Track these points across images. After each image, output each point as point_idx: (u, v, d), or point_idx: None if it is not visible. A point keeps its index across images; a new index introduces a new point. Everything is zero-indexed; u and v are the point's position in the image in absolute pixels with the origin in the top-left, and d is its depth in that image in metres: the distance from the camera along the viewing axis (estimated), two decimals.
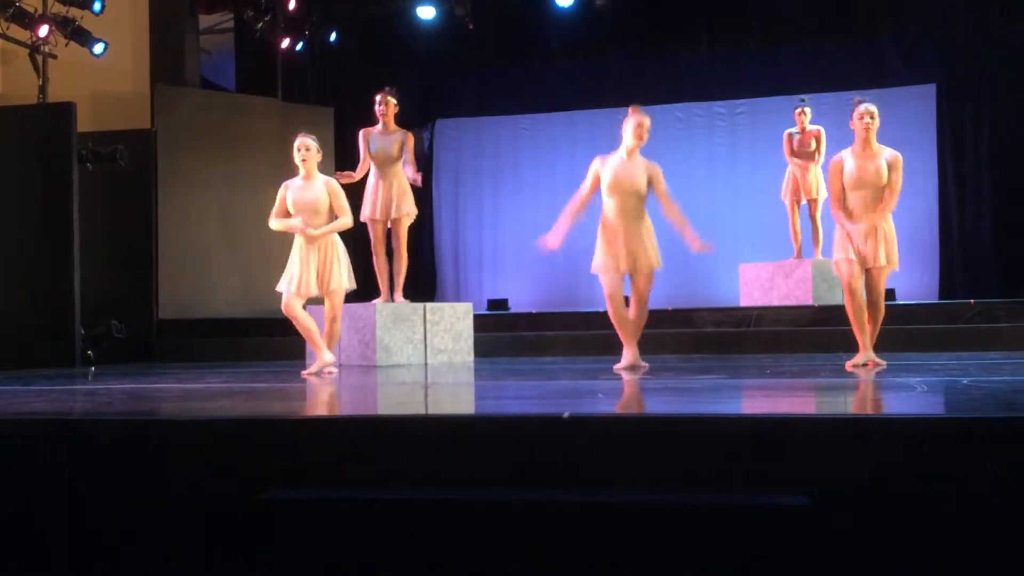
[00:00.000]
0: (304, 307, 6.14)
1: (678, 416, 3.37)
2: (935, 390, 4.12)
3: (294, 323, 6.16)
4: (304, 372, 6.13)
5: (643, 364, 5.85)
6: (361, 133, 7.34)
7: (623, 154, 5.81)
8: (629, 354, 5.89)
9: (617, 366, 5.85)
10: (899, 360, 6.11)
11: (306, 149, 6.09)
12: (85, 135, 8.44)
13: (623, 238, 5.76)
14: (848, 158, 5.69)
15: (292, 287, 6.01)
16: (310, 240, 6.03)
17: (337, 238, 6.16)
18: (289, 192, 6.11)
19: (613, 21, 10.76)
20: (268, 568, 2.88)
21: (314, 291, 6.05)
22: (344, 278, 6.13)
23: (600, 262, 5.83)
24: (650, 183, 5.80)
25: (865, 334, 5.65)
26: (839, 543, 2.75)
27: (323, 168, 9.75)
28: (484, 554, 2.82)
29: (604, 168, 5.82)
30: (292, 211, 6.06)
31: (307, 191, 6.07)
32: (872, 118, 5.63)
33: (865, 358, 5.63)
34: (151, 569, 3.08)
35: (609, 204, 5.81)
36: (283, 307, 6.07)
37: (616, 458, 2.97)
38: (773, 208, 9.80)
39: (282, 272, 6.13)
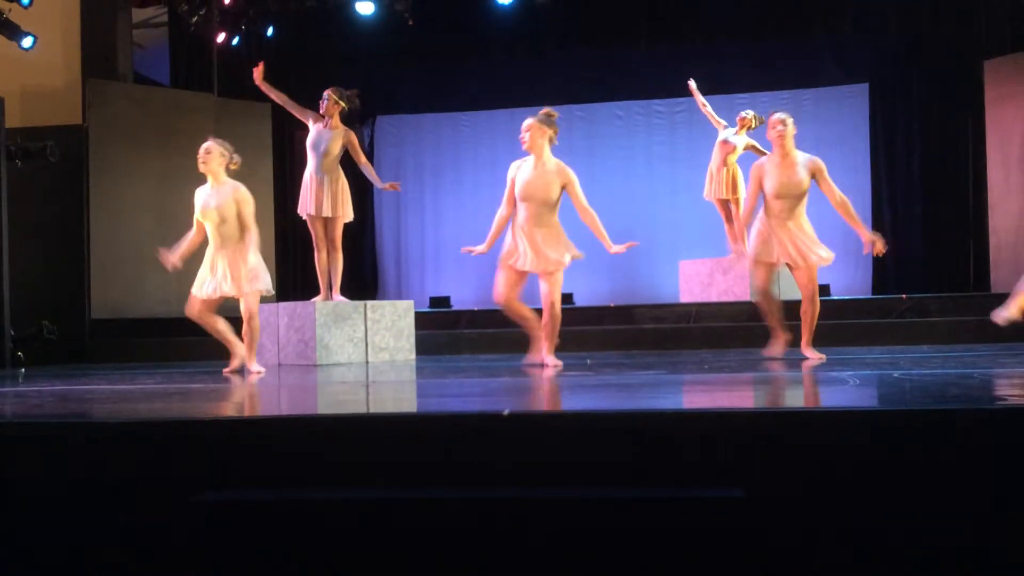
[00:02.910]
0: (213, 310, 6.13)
1: (617, 412, 3.39)
2: (867, 383, 4.20)
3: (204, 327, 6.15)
4: (225, 370, 6.12)
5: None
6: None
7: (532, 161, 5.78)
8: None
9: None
10: (833, 354, 6.22)
11: (206, 152, 5.96)
12: (14, 131, 8.22)
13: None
14: (769, 169, 5.83)
15: (196, 290, 6.04)
16: (219, 246, 5.96)
17: (250, 241, 5.97)
18: (197, 196, 6.02)
19: (553, 18, 10.81)
20: (203, 572, 2.83)
21: (223, 292, 5.97)
22: (247, 281, 5.97)
23: None
24: (563, 189, 5.76)
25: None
26: (772, 535, 2.79)
27: (262, 165, 9.67)
28: (425, 553, 2.80)
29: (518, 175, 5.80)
30: (199, 216, 5.99)
31: (214, 197, 5.96)
32: (784, 125, 5.76)
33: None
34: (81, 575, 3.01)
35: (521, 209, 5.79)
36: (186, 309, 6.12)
37: (555, 454, 2.98)
38: (712, 205, 9.92)
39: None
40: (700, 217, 11.05)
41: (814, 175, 5.80)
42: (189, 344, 8.50)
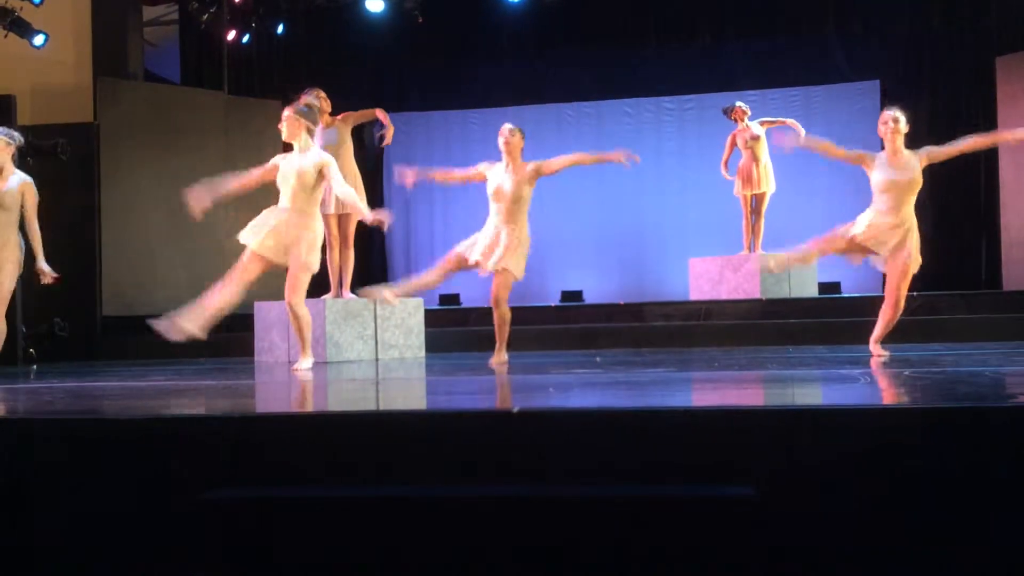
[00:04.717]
0: None
1: (627, 410, 3.39)
2: (878, 381, 4.18)
3: None
4: None
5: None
6: None
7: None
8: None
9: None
10: (844, 352, 6.21)
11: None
12: (25, 128, 8.22)
13: None
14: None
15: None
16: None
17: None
18: None
19: (562, 17, 10.81)
20: (212, 570, 2.84)
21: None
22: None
23: None
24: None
25: None
26: (783, 533, 2.78)
27: (267, 157, 9.52)
28: (433, 551, 2.81)
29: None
30: None
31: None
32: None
33: None
34: (92, 571, 3.02)
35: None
36: None
37: (565, 452, 2.97)
38: (722, 203, 9.91)
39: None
40: (710, 215, 11.03)
41: (538, 172, 5.91)
42: (200, 342, 8.51)
